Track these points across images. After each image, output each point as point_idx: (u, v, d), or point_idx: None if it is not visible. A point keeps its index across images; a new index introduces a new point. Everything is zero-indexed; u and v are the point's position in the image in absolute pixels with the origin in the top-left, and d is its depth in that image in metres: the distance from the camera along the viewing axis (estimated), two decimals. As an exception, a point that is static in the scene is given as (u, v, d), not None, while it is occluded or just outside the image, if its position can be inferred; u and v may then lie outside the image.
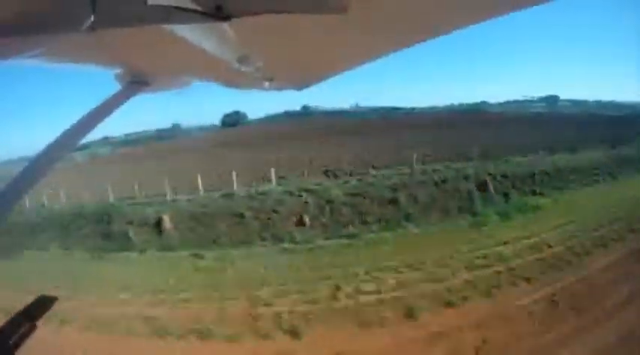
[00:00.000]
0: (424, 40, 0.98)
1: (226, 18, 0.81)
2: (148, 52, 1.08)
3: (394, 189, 15.67)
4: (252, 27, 0.86)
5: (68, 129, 1.14)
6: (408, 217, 14.45)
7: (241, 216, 14.84)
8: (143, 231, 14.98)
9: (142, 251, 14.07)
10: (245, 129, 53.76)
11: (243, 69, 1.13)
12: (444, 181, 16.17)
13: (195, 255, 13.30)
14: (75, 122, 1.16)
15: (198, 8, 0.80)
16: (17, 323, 1.10)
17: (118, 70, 1.21)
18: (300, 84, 1.45)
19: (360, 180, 17.18)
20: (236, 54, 1.05)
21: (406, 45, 1.04)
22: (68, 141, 1.14)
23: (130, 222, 15.33)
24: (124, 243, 14.54)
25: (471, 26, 0.94)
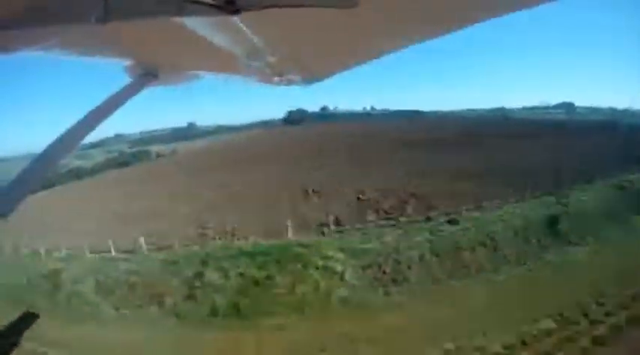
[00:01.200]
0: (435, 36, 0.97)
1: (236, 12, 0.81)
2: (159, 45, 1.08)
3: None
4: (261, 21, 0.86)
5: (79, 122, 1.15)
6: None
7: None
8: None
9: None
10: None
11: (252, 63, 1.13)
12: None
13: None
14: (85, 114, 1.16)
15: (209, 2, 0.80)
16: (4, 336, 1.14)
17: (128, 63, 1.22)
18: (310, 79, 1.44)
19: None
20: (246, 48, 1.05)
21: (416, 40, 1.02)
22: (79, 133, 1.14)
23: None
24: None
25: (474, 29, 0.92)
